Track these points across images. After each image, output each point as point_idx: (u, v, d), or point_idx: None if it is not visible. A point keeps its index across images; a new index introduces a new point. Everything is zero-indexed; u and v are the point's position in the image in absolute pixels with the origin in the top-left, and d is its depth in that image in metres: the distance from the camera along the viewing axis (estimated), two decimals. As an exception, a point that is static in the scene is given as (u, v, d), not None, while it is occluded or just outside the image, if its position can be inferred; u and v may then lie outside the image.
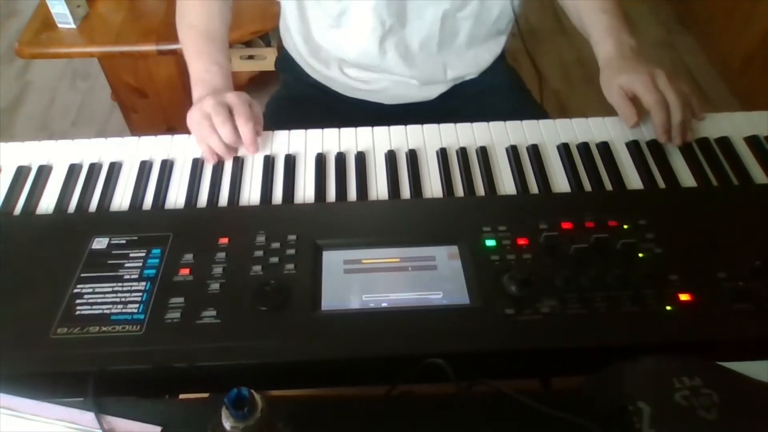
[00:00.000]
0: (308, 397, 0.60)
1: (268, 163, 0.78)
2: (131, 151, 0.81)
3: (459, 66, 1.00)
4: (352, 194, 0.75)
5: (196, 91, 0.83)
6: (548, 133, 0.82)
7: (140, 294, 0.60)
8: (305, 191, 0.75)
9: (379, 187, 0.76)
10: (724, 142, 0.80)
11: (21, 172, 0.78)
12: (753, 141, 0.80)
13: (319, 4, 0.92)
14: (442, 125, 0.83)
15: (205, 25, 0.89)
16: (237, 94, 0.78)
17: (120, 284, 0.61)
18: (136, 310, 0.59)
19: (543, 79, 1.09)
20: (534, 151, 0.79)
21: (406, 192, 0.75)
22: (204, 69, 0.84)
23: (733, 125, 0.83)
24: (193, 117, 0.78)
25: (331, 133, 0.83)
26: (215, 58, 0.86)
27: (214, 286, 0.61)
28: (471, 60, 1.01)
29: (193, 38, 0.89)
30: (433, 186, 0.75)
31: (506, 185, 0.76)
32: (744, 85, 2.05)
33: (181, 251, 0.64)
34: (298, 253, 0.64)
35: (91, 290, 0.61)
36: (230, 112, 0.76)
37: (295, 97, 1.04)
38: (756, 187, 0.74)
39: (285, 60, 1.10)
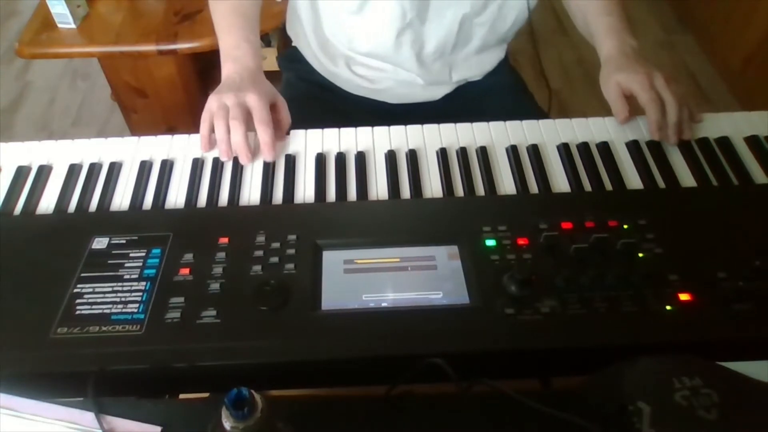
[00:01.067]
0: (308, 397, 0.60)
1: (268, 163, 0.78)
2: (131, 151, 0.81)
3: (464, 69, 1.01)
4: (352, 194, 0.75)
5: (226, 68, 0.83)
6: (548, 133, 0.82)
7: (140, 294, 0.60)
8: (305, 191, 0.75)
9: (379, 187, 0.76)
10: (724, 142, 0.80)
11: (21, 172, 0.78)
12: (753, 141, 0.80)
13: None
14: (442, 125, 0.83)
15: (236, 1, 0.89)
16: (259, 94, 0.77)
17: (120, 284, 0.61)
18: (136, 310, 0.59)
19: (548, 84, 1.09)
20: (534, 151, 0.79)
21: (406, 192, 0.75)
22: (234, 45, 0.84)
23: (733, 125, 0.83)
24: (210, 103, 0.78)
25: (331, 133, 0.83)
26: (246, 34, 0.85)
27: (214, 286, 0.61)
28: (476, 64, 1.01)
29: (224, 13, 0.88)
30: (433, 186, 0.75)
31: (506, 185, 0.76)
32: (744, 85, 2.05)
33: (181, 251, 0.64)
34: (298, 253, 0.64)
35: (91, 290, 0.61)
36: (249, 114, 0.77)
37: (297, 96, 1.04)
38: (756, 187, 0.74)
39: (288, 58, 1.10)
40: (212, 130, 0.78)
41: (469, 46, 0.97)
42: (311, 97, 1.04)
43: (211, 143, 0.79)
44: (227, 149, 0.77)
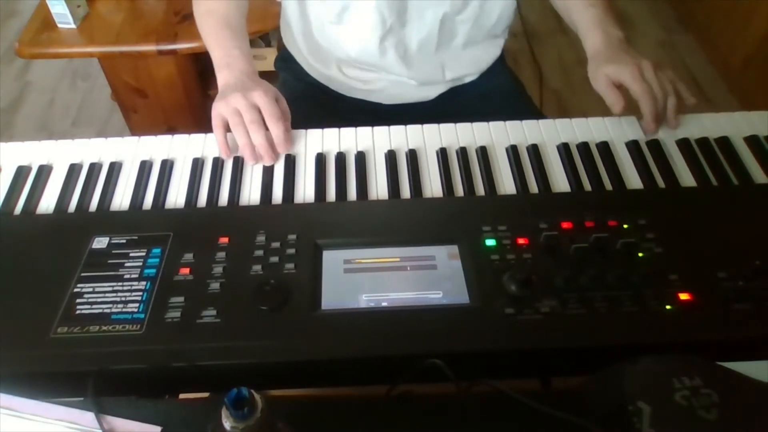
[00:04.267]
0: (308, 397, 0.60)
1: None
2: (131, 151, 0.81)
3: (457, 66, 1.00)
4: (352, 194, 0.75)
5: (221, 77, 0.83)
6: (548, 133, 0.82)
7: (140, 293, 0.60)
8: (305, 191, 0.75)
9: (379, 187, 0.76)
10: (724, 142, 0.80)
11: (21, 172, 0.78)
12: (753, 141, 0.80)
13: (321, 1, 0.92)
14: (442, 125, 0.83)
15: (222, 12, 0.90)
16: (264, 91, 0.78)
17: (120, 284, 0.61)
18: (136, 310, 0.59)
19: (543, 79, 1.09)
20: (534, 150, 0.79)
21: (406, 192, 0.75)
22: (226, 53, 0.85)
23: (733, 125, 0.83)
24: (219, 109, 0.78)
25: (331, 133, 0.83)
26: (235, 43, 0.86)
27: (214, 285, 0.61)
28: (469, 60, 1.01)
29: (211, 24, 0.89)
30: (433, 186, 0.75)
31: (506, 185, 0.76)
32: (744, 85, 2.05)
33: (181, 251, 0.64)
34: (298, 252, 0.64)
35: (91, 290, 0.61)
36: (260, 112, 0.77)
37: (294, 97, 1.04)
38: (756, 187, 0.74)
39: (284, 59, 1.10)
40: (226, 133, 0.78)
41: (454, 43, 0.97)
42: (308, 97, 1.04)
43: (231, 148, 0.79)
44: (252, 153, 0.77)
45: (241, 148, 0.77)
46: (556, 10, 0.99)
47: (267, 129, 0.77)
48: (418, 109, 1.03)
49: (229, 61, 0.84)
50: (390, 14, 0.89)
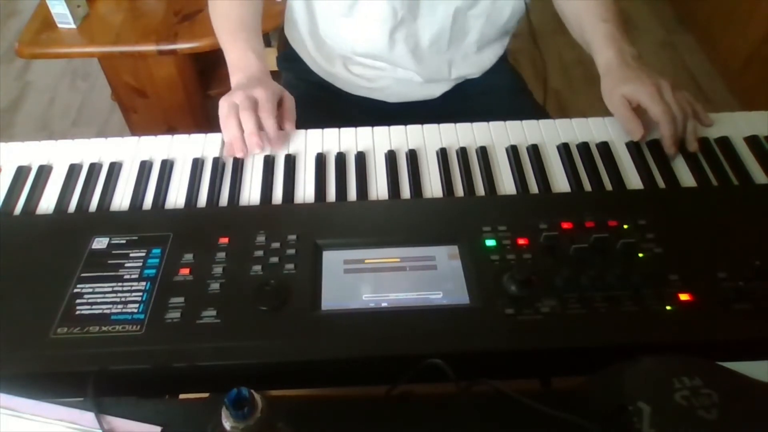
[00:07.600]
0: (308, 397, 0.60)
1: (268, 163, 0.78)
2: (131, 151, 0.81)
3: (463, 66, 1.00)
4: (352, 194, 0.75)
5: (234, 78, 0.85)
6: (548, 133, 0.82)
7: (140, 294, 0.60)
8: (305, 191, 0.75)
9: (379, 187, 0.76)
10: (724, 142, 0.80)
11: (21, 172, 0.78)
12: (753, 141, 0.80)
13: None
14: (442, 125, 0.83)
15: (237, 13, 0.90)
16: (266, 87, 0.79)
17: (120, 284, 0.61)
18: (136, 310, 0.59)
19: (546, 79, 1.09)
20: (534, 151, 0.79)
21: (406, 192, 0.75)
22: (240, 56, 0.86)
23: (733, 125, 0.83)
24: (222, 107, 0.79)
25: (331, 133, 0.83)
26: (250, 44, 0.87)
27: (214, 286, 0.61)
28: (475, 60, 1.01)
29: (227, 26, 0.90)
30: (433, 186, 0.75)
31: (506, 185, 0.76)
32: (744, 85, 2.05)
33: (181, 251, 0.64)
34: (298, 253, 0.64)
35: (91, 290, 0.61)
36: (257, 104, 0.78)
37: (296, 96, 1.04)
38: (756, 187, 0.74)
39: (288, 59, 1.10)
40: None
41: (467, 40, 0.97)
42: (310, 97, 1.04)
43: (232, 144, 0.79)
44: (242, 146, 0.77)
45: (233, 140, 0.77)
46: (564, 21, 0.98)
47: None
48: (422, 107, 1.03)
49: (243, 64, 0.85)
50: (402, 6, 0.89)
